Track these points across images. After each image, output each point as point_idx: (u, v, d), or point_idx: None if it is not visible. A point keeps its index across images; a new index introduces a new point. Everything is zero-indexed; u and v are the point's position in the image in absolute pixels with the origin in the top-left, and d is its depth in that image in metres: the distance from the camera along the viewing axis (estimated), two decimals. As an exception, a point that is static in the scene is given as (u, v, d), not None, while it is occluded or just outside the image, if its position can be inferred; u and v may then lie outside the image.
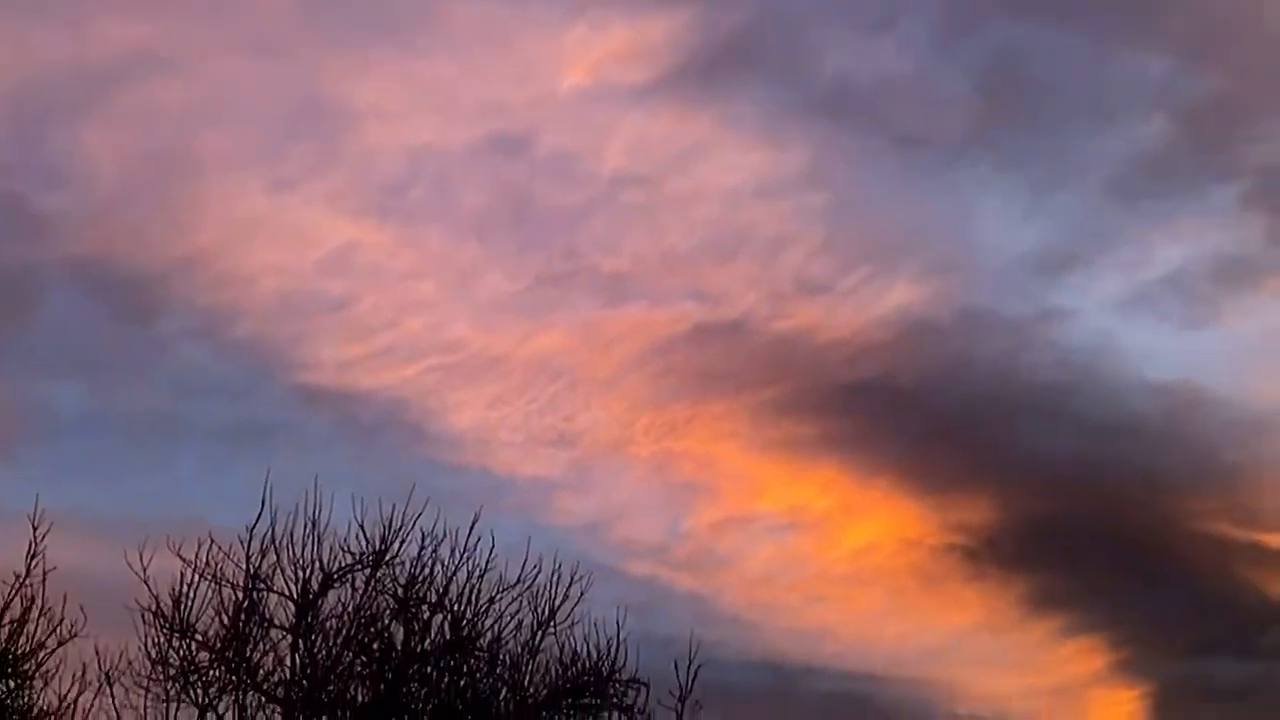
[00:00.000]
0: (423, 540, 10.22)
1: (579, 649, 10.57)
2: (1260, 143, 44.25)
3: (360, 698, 9.84)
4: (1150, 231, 51.54)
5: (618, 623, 10.64)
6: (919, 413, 50.94)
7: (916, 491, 51.33)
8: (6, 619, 8.79)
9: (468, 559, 10.27)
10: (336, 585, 9.99)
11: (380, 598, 10.14)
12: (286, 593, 9.89)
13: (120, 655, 9.47)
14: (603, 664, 10.58)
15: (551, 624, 10.52)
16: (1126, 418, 49.39)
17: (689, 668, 10.68)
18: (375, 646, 9.98)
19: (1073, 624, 48.58)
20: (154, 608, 9.65)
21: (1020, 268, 51.87)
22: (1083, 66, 45.54)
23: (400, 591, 10.16)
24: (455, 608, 10.19)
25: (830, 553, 51.87)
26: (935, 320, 50.21)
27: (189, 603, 9.67)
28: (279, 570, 9.90)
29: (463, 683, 10.17)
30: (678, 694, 10.65)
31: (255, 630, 9.79)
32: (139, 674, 9.52)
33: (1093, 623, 47.91)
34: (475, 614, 10.22)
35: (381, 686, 9.80)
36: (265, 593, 9.85)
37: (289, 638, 9.81)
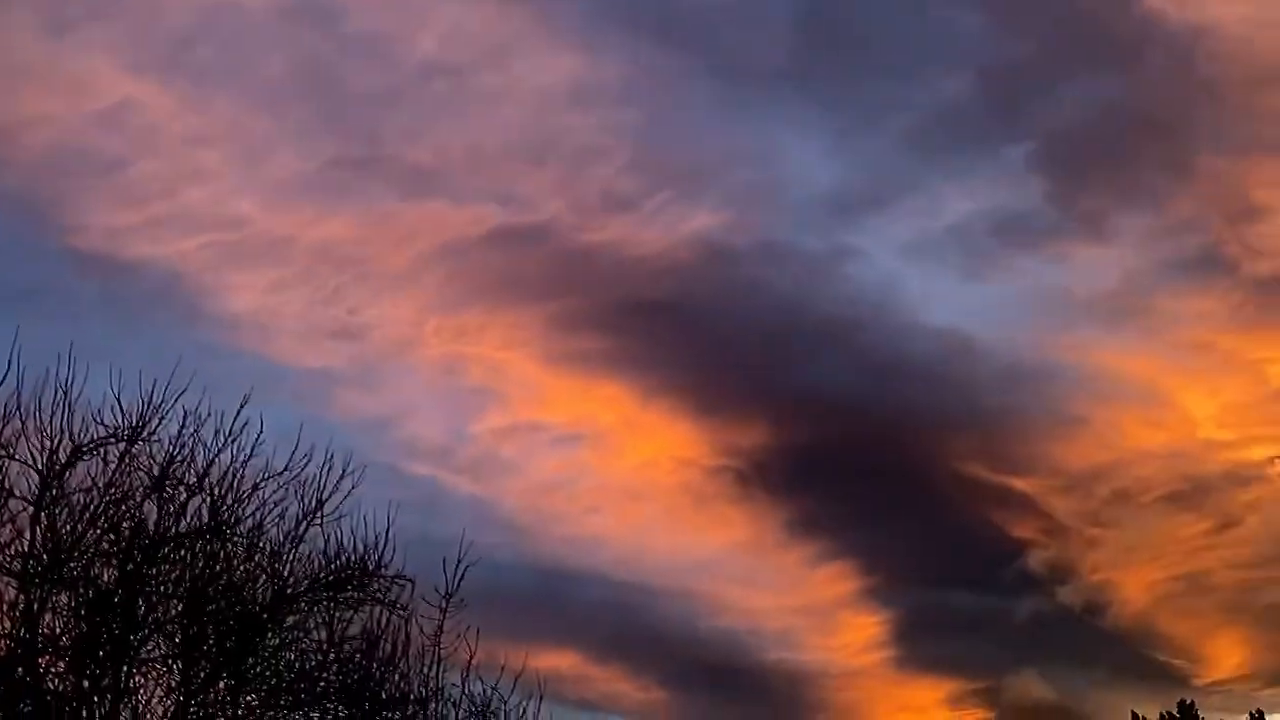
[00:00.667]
0: (184, 419, 9.81)
1: (346, 542, 10.42)
2: (1052, 109, 46.70)
3: (106, 577, 9.44)
4: (942, 183, 53.74)
5: (388, 518, 10.56)
6: (708, 337, 51.93)
7: (697, 413, 52.50)
8: None
9: (232, 442, 9.93)
10: (86, 458, 9.49)
11: (134, 475, 9.69)
12: (30, 462, 9.34)
13: None
14: (369, 559, 10.47)
15: (319, 515, 10.30)
16: (902, 358, 51.82)
17: (457, 566, 10.73)
18: (125, 525, 9.55)
19: (830, 549, 51.24)
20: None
21: (820, 205, 53.26)
22: (899, 17, 46.55)
23: (156, 470, 9.74)
24: (215, 491, 9.85)
25: (610, 467, 52.77)
26: (734, 248, 50.97)
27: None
28: (23, 438, 9.34)
29: (218, 568, 9.88)
30: (444, 592, 10.71)
31: (-8, 498, 9.22)
32: None
33: (848, 550, 50.76)
34: (236, 499, 9.90)
35: (129, 566, 9.40)
36: (6, 460, 9.29)
37: (30, 509, 9.29)
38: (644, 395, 50.30)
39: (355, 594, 10.38)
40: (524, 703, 10.66)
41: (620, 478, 52.82)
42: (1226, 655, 46.40)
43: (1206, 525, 47.90)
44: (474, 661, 10.69)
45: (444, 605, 10.62)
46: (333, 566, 10.32)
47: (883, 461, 50.28)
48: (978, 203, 51.40)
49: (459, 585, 10.75)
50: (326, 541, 10.42)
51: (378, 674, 10.32)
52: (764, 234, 51.50)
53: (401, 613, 10.47)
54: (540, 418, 53.32)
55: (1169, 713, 32.62)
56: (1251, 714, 32.75)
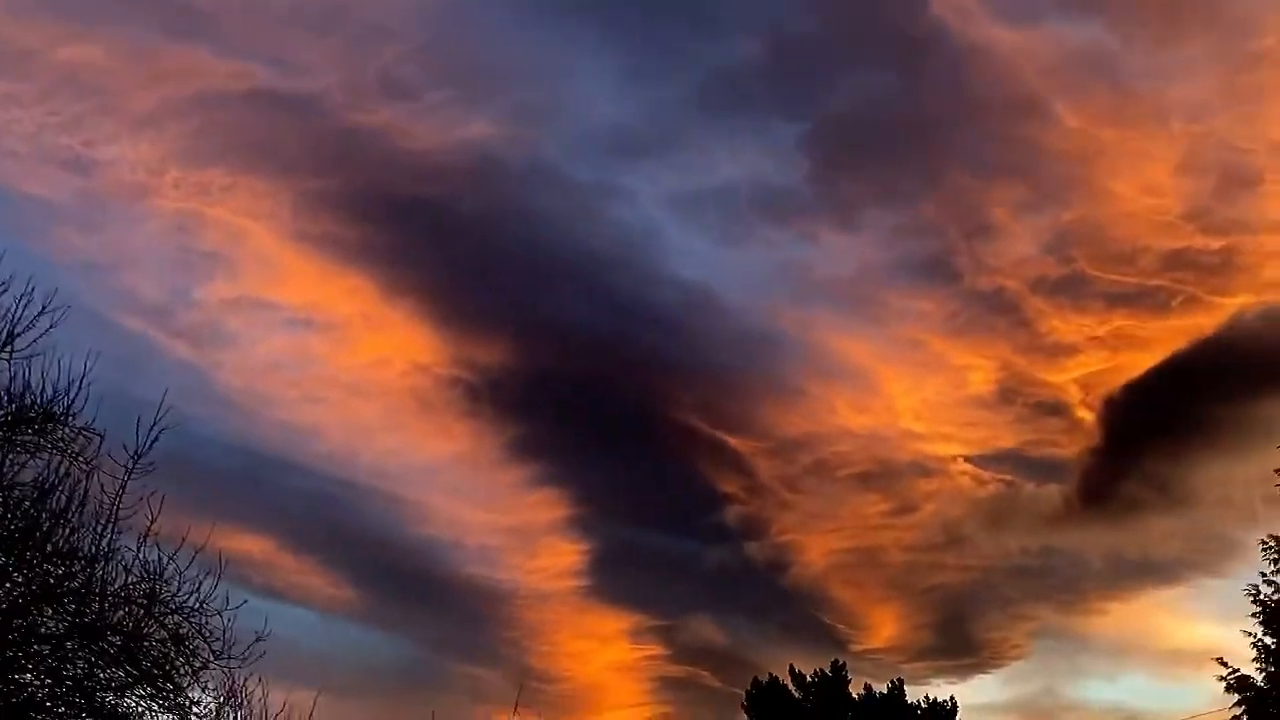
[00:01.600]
0: None
1: (34, 383, 9.91)
2: (831, 93, 48.62)
3: None
4: (717, 144, 55.13)
5: (85, 366, 10.10)
6: (464, 247, 51.26)
7: (439, 320, 52.10)
8: None
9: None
10: None
11: None
12: None
13: None
14: (57, 404, 10.00)
15: (7, 349, 9.75)
16: (648, 304, 53.31)
17: (151, 429, 10.31)
18: None
19: (544, 475, 52.28)
20: None
21: (598, 139, 53.40)
22: (710, -30, 46.98)
23: None
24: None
25: (339, 359, 51.50)
26: (509, 163, 50.42)
27: None
28: None
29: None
30: (132, 452, 10.29)
31: None
32: None
33: (562, 478, 52.05)
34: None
35: None
36: None
37: None
38: (387, 292, 49.36)
39: (34, 438, 9.88)
40: (201, 578, 10.44)
41: (348, 372, 51.75)
42: (882, 627, 51.37)
43: (887, 506, 52.83)
44: (154, 529, 10.24)
45: (130, 466, 10.15)
46: (14, 405, 9.80)
47: (611, 399, 52.04)
48: (745, 170, 53.44)
49: (150, 448, 10.30)
50: (12, 379, 9.89)
51: (46, 525, 9.88)
52: (539, 155, 51.41)
53: (83, 466, 10.05)
54: (273, 296, 51.37)
55: (822, 670, 35.19)
56: (892, 682, 35.30)
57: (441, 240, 47.71)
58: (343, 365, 50.13)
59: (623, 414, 52.78)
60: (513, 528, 52.55)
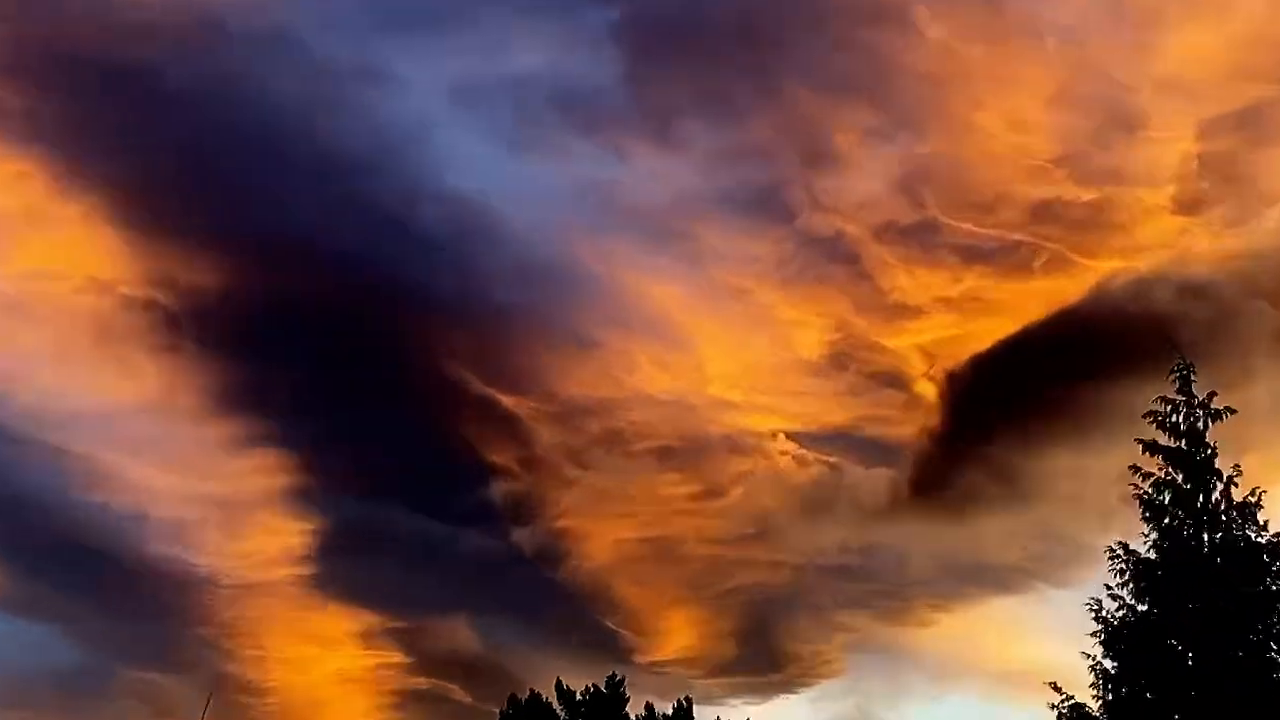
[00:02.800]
0: None
1: None
2: None
3: None
4: (513, 23, 46.90)
5: None
6: (174, 131, 42.87)
7: (130, 224, 43.08)
8: None
9: None
10: None
11: None
12: None
13: None
14: None
15: None
16: (411, 221, 45.61)
17: None
18: None
19: (262, 434, 45.13)
20: None
21: (361, 9, 45.04)
22: None
23: None
24: None
25: None
26: (238, 28, 42.56)
27: None
28: None
29: None
30: None
31: None
32: None
33: (284, 438, 44.76)
34: None
35: None
36: None
37: None
38: (62, 182, 40.31)
39: None
40: None
41: (6, 282, 42.63)
42: (674, 634, 46.96)
43: (692, 489, 47.44)
44: None
45: None
46: None
47: (355, 340, 44.63)
48: (544, 60, 45.55)
49: None
50: None
51: None
52: (279, 21, 42.21)
53: None
54: None
55: (596, 686, 32.40)
56: (679, 702, 32.52)
57: (141, 120, 39.11)
58: None
59: (369, 359, 45.10)
60: (215, 498, 44.53)
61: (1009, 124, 43.20)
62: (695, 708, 33.08)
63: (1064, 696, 21.66)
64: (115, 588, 42.29)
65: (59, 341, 42.44)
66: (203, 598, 42.76)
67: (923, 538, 44.83)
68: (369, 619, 43.60)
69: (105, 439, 44.25)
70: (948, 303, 43.49)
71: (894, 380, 45.11)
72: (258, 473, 43.13)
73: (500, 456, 45.06)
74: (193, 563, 42.98)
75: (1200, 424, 21.96)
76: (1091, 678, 21.84)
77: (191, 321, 41.80)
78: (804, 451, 45.02)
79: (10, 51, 37.62)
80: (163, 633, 42.59)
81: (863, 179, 45.42)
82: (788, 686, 45.42)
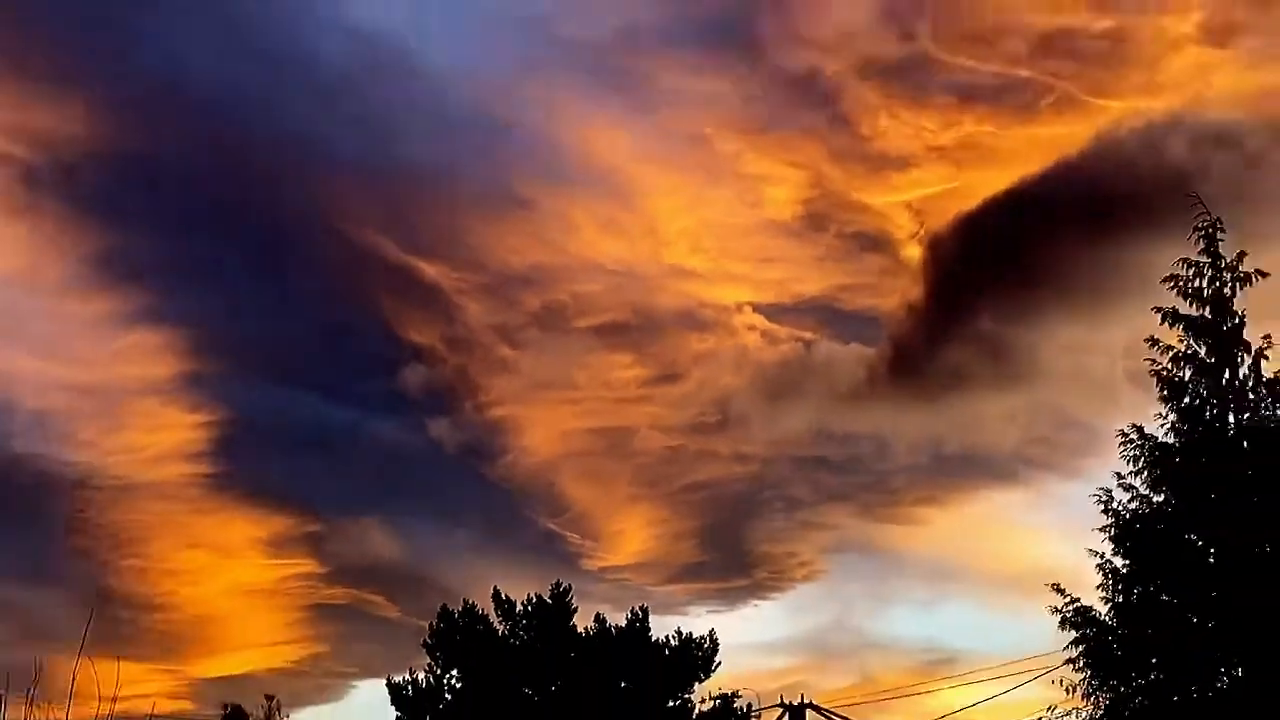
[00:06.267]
0: None
1: None
2: None
3: None
4: None
5: None
6: None
7: None
8: None
9: None
10: None
11: None
12: None
13: None
14: None
15: None
16: (315, 57, 43.78)
17: None
18: None
19: (146, 310, 44.00)
20: None
21: None
22: None
23: None
24: None
25: None
26: None
27: None
28: None
29: None
30: None
31: None
32: None
33: (173, 315, 43.61)
34: None
35: None
36: None
37: None
38: None
39: None
40: None
41: None
42: (627, 537, 46.75)
43: (644, 372, 46.67)
44: None
45: None
46: None
47: (251, 200, 43.12)
48: None
49: None
50: None
51: None
52: None
53: None
54: None
55: (539, 595, 32.99)
56: (634, 611, 33.07)
57: None
58: None
59: (270, 223, 43.82)
60: (93, 386, 43.80)
61: None
62: (652, 618, 33.79)
63: (1068, 599, 22.08)
64: None
65: None
66: (78, 501, 42.43)
67: (908, 423, 45.00)
68: (275, 523, 43.56)
69: None
70: (939, 152, 42.92)
71: (876, 243, 44.88)
72: (144, 356, 42.52)
73: (422, 335, 44.70)
74: (65, 460, 42.61)
75: (1227, 289, 21.93)
76: (1099, 578, 22.22)
77: (57, 179, 40.67)
78: (773, 326, 44.70)
79: None
80: (32, 542, 42.18)
81: (842, 6, 44.40)
82: (757, 592, 45.85)
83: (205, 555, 44.57)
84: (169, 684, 39.25)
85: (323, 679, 44.90)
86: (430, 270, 44.43)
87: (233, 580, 44.31)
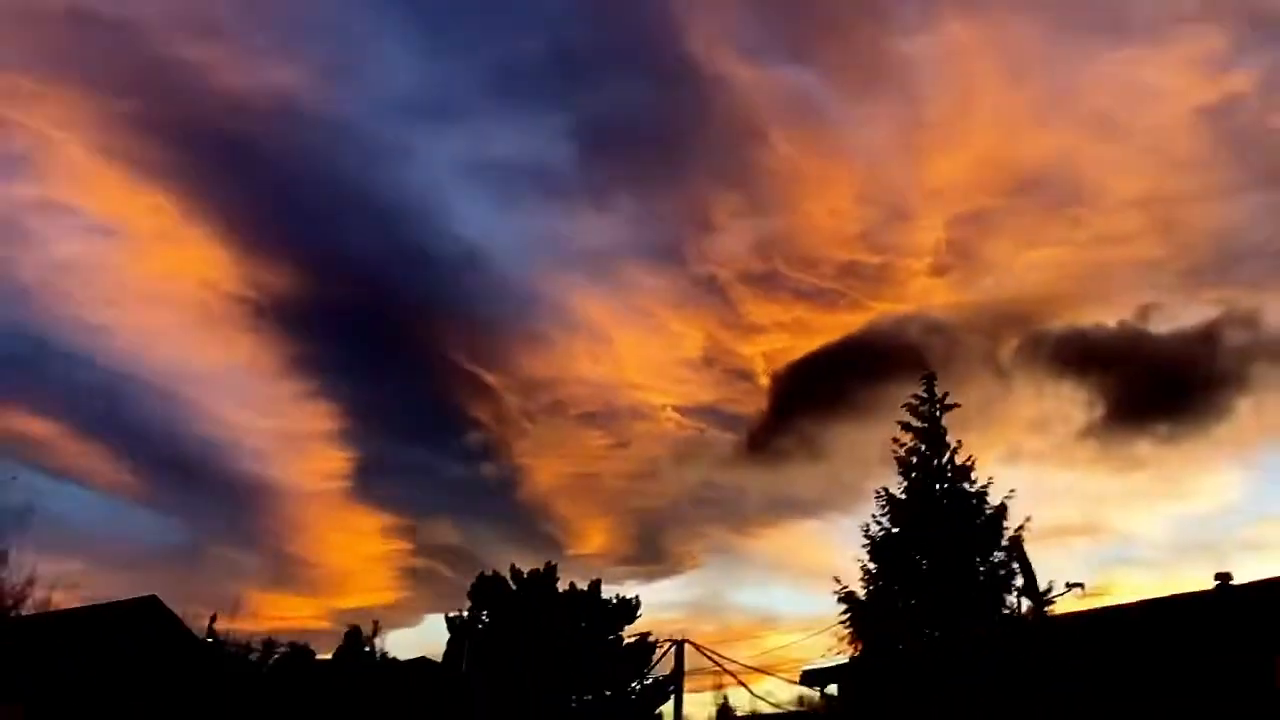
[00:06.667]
0: None
1: None
2: (600, 92, 59.62)
3: None
4: (501, 123, 67.10)
5: None
6: (268, 182, 57.39)
7: (234, 244, 58.47)
8: None
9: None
10: None
11: None
12: None
13: None
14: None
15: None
16: (431, 254, 61.04)
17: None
18: None
19: (319, 391, 59.77)
20: None
21: (399, 103, 61.33)
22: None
23: None
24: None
25: (137, 267, 56.55)
26: (315, 110, 57.77)
27: None
28: None
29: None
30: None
31: None
32: None
33: (335, 395, 59.81)
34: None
35: None
36: None
37: None
38: (188, 213, 54.24)
39: None
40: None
41: (143, 280, 56.40)
42: (593, 537, 62.10)
43: (608, 441, 63.87)
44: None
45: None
46: None
47: (386, 331, 59.43)
48: (523, 148, 61.47)
49: None
50: None
51: None
52: (342, 107, 57.26)
53: None
54: (78, 202, 55.29)
55: (538, 569, 42.72)
56: (592, 582, 42.27)
57: (245, 173, 52.93)
58: (138, 273, 55.04)
59: (396, 345, 60.16)
60: (286, 433, 59.20)
61: (828, 211, 59.48)
62: (603, 586, 41.97)
63: (842, 586, 29.91)
64: (214, 492, 55.37)
65: (180, 321, 55.05)
66: (274, 502, 56.03)
67: (756, 479, 61.46)
68: (387, 519, 57.95)
69: (211, 390, 57.98)
70: (781, 326, 60.08)
71: (743, 375, 61.76)
72: (315, 417, 56.81)
73: (480, 413, 60.38)
74: (269, 476, 56.26)
75: (937, 413, 30.54)
76: (861, 575, 30.05)
77: (273, 311, 55.16)
78: (682, 419, 61.09)
79: (156, 118, 48.59)
80: (245, 524, 55.63)
81: (731, 241, 61.40)
82: (666, 574, 61.35)
83: (343, 535, 57.64)
84: (316, 610, 50.58)
85: (407, 613, 57.68)
86: (488, 376, 59.82)
87: (359, 551, 56.95)
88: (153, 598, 37.21)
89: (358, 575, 57.06)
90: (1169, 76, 53.91)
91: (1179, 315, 55.41)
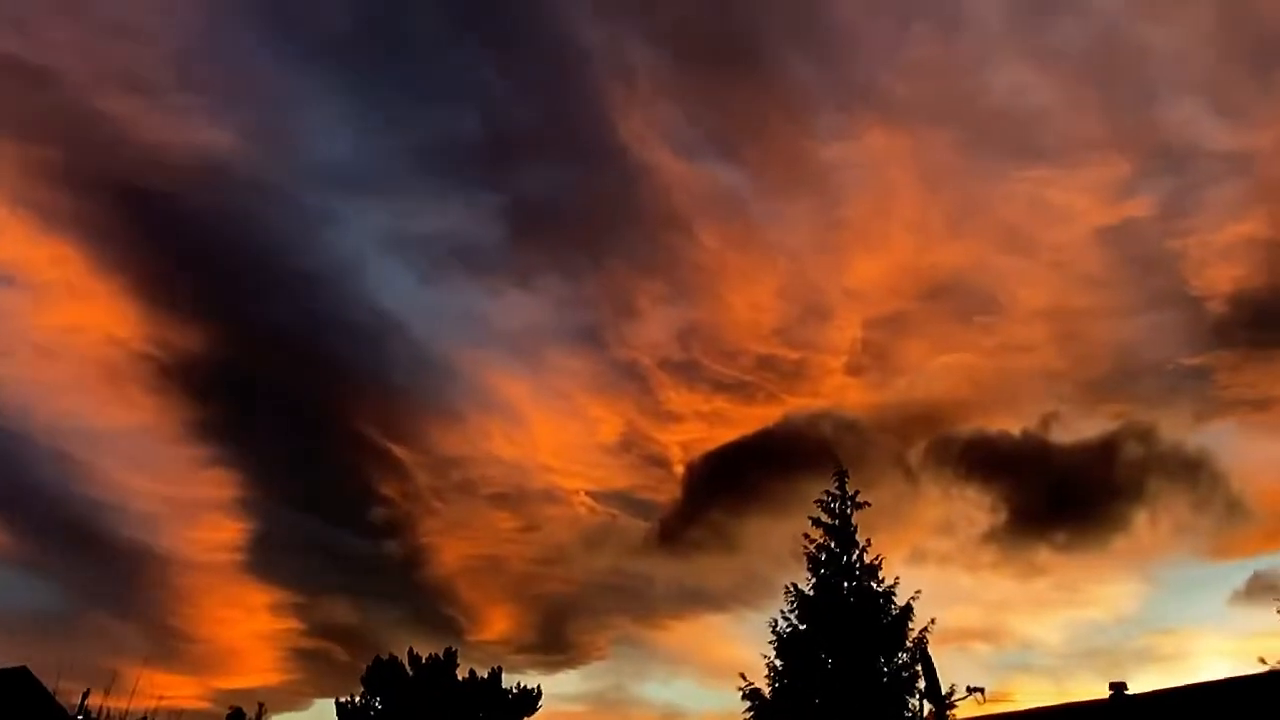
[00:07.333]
0: None
1: None
2: (531, 175, 61.27)
3: None
4: (430, 199, 64.76)
5: None
6: (183, 240, 56.54)
7: (143, 300, 57.00)
8: None
9: None
10: None
11: None
12: None
13: None
14: None
15: None
16: (347, 323, 60.73)
17: None
18: None
19: (220, 457, 58.46)
20: None
21: (326, 171, 61.18)
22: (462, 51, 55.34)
23: None
24: None
25: (37, 319, 55.00)
26: (239, 173, 56.29)
27: None
28: None
29: None
30: None
31: None
32: None
33: (236, 462, 58.44)
34: None
35: None
36: None
37: None
38: (96, 266, 53.43)
39: None
40: None
41: (41, 332, 55.27)
42: (495, 623, 61.45)
43: (517, 524, 63.84)
44: None
45: None
46: None
47: (295, 399, 59.03)
48: (450, 225, 62.93)
49: None
50: None
51: None
52: (267, 172, 57.92)
53: None
54: None
55: (436, 654, 42.01)
56: (492, 669, 42.19)
57: (160, 230, 52.45)
58: (36, 324, 53.83)
59: (305, 414, 59.73)
60: (180, 500, 57.91)
61: (749, 305, 61.57)
62: (504, 675, 41.79)
63: (748, 683, 29.95)
64: (96, 557, 53.41)
65: (78, 377, 53.80)
66: (161, 571, 54.29)
67: (666, 569, 61.79)
68: (279, 595, 56.42)
69: (103, 450, 56.34)
70: (699, 415, 61.47)
71: (659, 462, 62.57)
72: (213, 484, 55.44)
73: (388, 489, 59.77)
74: (156, 544, 54.61)
75: (848, 510, 30.90)
76: (766, 671, 30.03)
77: (179, 372, 54.04)
78: (594, 504, 61.36)
79: (71, 169, 48.00)
80: (129, 593, 53.74)
81: (653, 328, 62.75)
82: (569, 664, 60.51)
83: (231, 610, 55.99)
84: (197, 690, 48.89)
85: (295, 696, 55.72)
86: (398, 450, 59.04)
87: (247, 628, 55.29)
88: (23, 669, 35.78)
89: (244, 654, 55.20)
90: (1074, 197, 57.11)
91: (1079, 426, 57.63)
